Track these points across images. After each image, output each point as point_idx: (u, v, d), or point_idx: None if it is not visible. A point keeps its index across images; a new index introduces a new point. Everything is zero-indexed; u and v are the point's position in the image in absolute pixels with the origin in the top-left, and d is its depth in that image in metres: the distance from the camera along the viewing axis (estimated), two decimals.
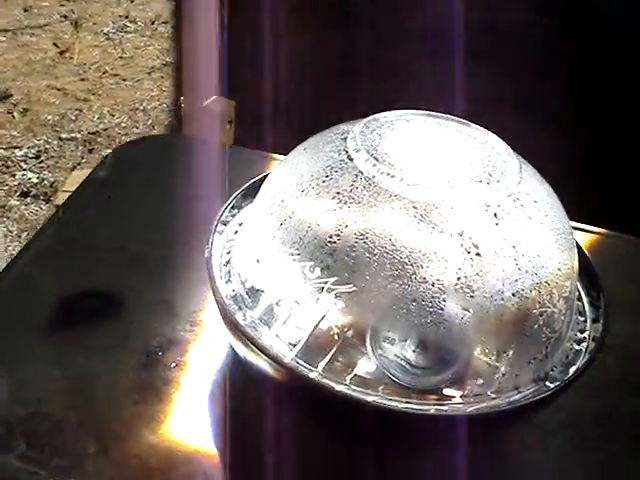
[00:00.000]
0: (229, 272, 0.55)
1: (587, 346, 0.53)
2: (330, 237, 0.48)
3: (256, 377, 0.53)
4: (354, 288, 0.47)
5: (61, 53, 2.45)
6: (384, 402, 0.47)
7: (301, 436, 0.52)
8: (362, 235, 0.47)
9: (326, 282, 0.47)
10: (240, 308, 0.51)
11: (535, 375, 0.50)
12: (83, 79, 2.31)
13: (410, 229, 0.47)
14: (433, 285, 0.46)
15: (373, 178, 0.48)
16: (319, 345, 0.48)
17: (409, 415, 0.46)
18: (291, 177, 0.52)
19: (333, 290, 0.47)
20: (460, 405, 0.47)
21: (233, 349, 0.60)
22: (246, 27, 1.41)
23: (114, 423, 0.55)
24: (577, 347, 0.53)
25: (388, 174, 0.48)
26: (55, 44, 2.49)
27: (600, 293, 0.56)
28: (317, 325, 0.48)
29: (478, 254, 0.47)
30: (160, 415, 0.56)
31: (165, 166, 0.80)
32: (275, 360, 0.47)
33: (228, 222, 0.59)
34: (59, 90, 2.24)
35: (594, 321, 0.55)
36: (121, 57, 2.47)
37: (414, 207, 0.47)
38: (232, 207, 0.59)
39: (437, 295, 0.46)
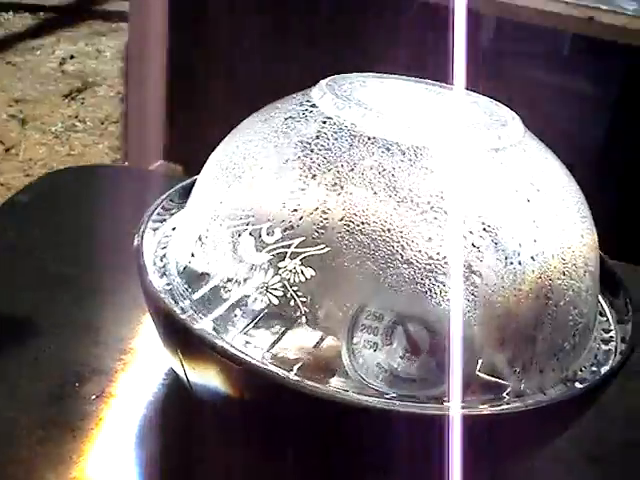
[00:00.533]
0: (164, 266, 0.43)
1: (616, 346, 0.43)
2: (292, 191, 0.37)
3: (203, 399, 0.41)
4: (327, 249, 0.35)
5: (7, 150, 2.36)
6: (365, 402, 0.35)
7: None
8: (335, 185, 0.36)
9: (289, 245, 0.35)
10: (176, 301, 0.39)
11: (563, 374, 0.39)
12: (28, 174, 2.22)
13: (398, 175, 0.36)
14: (430, 241, 0.35)
15: (344, 122, 0.38)
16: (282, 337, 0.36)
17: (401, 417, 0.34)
18: (240, 139, 0.42)
19: (298, 255, 0.35)
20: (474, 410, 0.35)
21: (171, 375, 0.48)
22: (192, 91, 1.34)
23: (11, 465, 0.41)
24: (605, 347, 0.42)
25: (363, 116, 0.38)
26: (1, 141, 2.40)
27: (622, 292, 0.46)
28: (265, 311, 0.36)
29: (486, 206, 0.37)
30: (71, 456, 0.42)
31: (91, 192, 0.70)
32: (229, 358, 0.35)
33: (164, 220, 0.48)
34: (2, 185, 2.14)
35: (619, 322, 0.45)
36: (69, 154, 2.40)
37: (401, 151, 0.37)
38: (164, 208, 0.48)
39: (436, 257, 0.35)
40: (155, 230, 0.46)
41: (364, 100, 0.40)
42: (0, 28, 3.10)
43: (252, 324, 0.37)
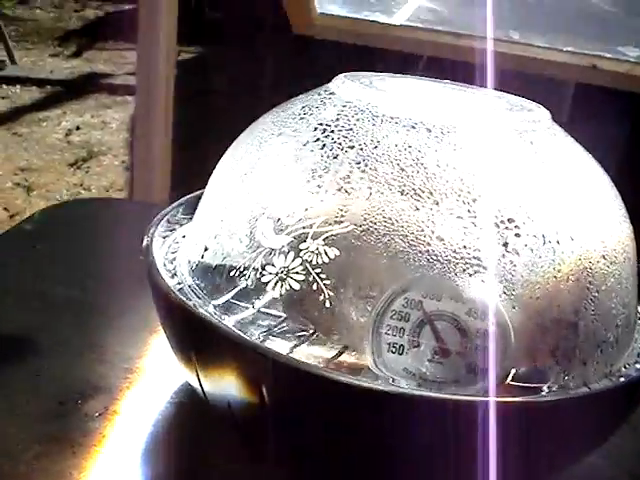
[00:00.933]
0: (175, 268, 0.41)
1: None
2: (313, 170, 0.35)
3: (218, 407, 0.38)
4: (351, 227, 0.33)
5: (11, 217, 2.36)
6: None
7: None
8: (358, 163, 0.34)
9: (311, 225, 0.33)
10: (188, 298, 0.37)
11: (607, 369, 0.36)
12: None
13: (425, 151, 0.34)
14: (462, 218, 0.33)
15: (366, 104, 0.36)
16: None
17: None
18: (256, 130, 0.40)
19: (321, 235, 0.33)
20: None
21: (180, 393, 0.45)
22: (197, 161, 1.34)
23: None
24: None
25: (385, 99, 0.36)
26: (6, 208, 2.40)
27: None
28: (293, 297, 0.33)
29: (519, 183, 0.34)
30: (71, 472, 0.38)
31: (96, 222, 0.68)
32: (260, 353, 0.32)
33: (174, 230, 0.45)
34: None
35: None
36: None
37: (427, 129, 0.35)
38: (171, 221, 0.46)
39: (470, 234, 0.33)
40: (165, 237, 0.44)
41: (385, 88, 0.39)
42: (7, 101, 3.15)
43: (273, 319, 0.35)
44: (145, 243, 0.41)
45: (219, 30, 3.33)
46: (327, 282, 0.33)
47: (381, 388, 0.32)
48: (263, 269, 0.34)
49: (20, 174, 2.66)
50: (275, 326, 0.36)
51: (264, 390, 0.34)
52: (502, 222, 0.33)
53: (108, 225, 0.67)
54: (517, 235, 0.33)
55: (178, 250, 0.43)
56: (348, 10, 1.39)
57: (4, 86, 3.19)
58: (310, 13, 1.37)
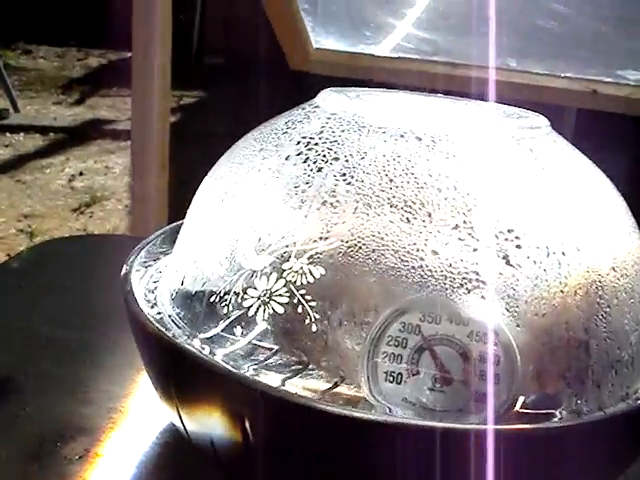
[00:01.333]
0: (156, 298, 0.38)
1: None
2: (296, 186, 0.32)
3: (202, 448, 0.35)
4: (337, 243, 0.30)
5: None
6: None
7: None
8: (344, 175, 0.32)
9: (294, 243, 0.31)
10: (167, 328, 0.34)
11: (622, 391, 0.33)
12: None
13: (416, 161, 0.32)
14: (458, 229, 0.30)
15: (351, 115, 0.34)
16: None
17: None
18: (237, 149, 0.37)
19: (305, 252, 0.30)
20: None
21: (167, 433, 0.42)
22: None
23: None
24: None
25: (372, 110, 0.34)
26: (8, 255, 2.39)
27: None
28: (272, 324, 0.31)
29: (518, 192, 0.32)
30: None
31: (81, 259, 0.65)
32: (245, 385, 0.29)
33: (157, 259, 0.43)
34: None
35: None
36: None
37: (417, 138, 0.33)
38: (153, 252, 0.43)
39: (467, 248, 0.30)
40: (147, 267, 0.42)
41: (373, 100, 0.37)
42: (11, 149, 3.16)
43: (253, 343, 0.32)
44: (123, 272, 0.38)
45: (219, 74, 3.35)
46: (313, 304, 0.30)
47: (375, 418, 0.29)
48: (245, 293, 0.32)
49: (23, 220, 2.65)
50: (267, 358, 0.34)
51: (249, 426, 0.31)
52: (501, 233, 0.30)
53: (98, 261, 0.65)
54: (518, 247, 0.30)
55: (160, 279, 0.40)
56: (344, 44, 1.38)
57: (7, 134, 3.20)
58: (306, 48, 1.36)
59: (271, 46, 1.55)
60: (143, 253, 0.42)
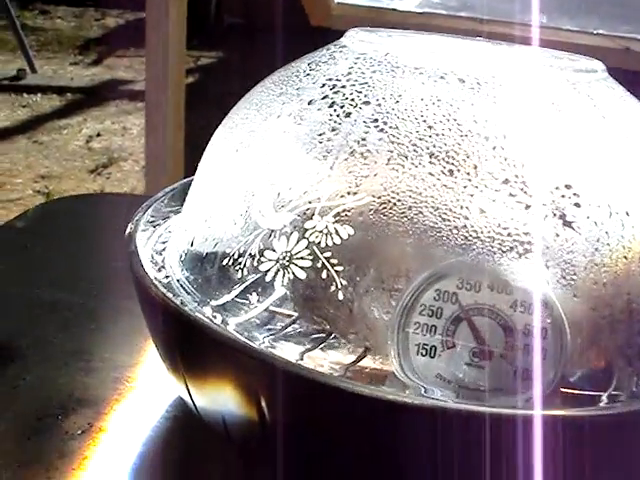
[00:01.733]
0: (164, 260, 0.34)
1: None
2: (320, 134, 0.28)
3: (212, 424, 0.31)
4: (368, 199, 0.26)
5: None
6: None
7: None
8: (376, 121, 0.28)
9: (318, 199, 0.27)
10: (175, 294, 0.31)
11: None
12: None
13: (458, 105, 0.27)
14: (507, 183, 0.26)
15: (385, 55, 0.30)
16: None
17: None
18: (254, 93, 0.33)
19: (331, 210, 0.27)
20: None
21: (177, 406, 0.39)
22: None
23: None
24: None
25: (407, 48, 0.30)
26: None
27: None
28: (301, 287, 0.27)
29: (573, 142, 0.28)
30: None
31: (92, 220, 0.62)
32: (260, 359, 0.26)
33: (167, 218, 0.39)
34: None
35: None
36: None
37: (459, 79, 0.28)
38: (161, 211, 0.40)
39: (517, 204, 0.26)
40: (155, 226, 0.38)
41: (407, 40, 0.32)
42: (28, 109, 3.13)
43: (272, 314, 0.28)
44: (128, 231, 0.35)
45: (238, 34, 3.29)
46: (339, 269, 0.26)
47: (409, 401, 0.26)
48: (261, 255, 0.28)
49: (40, 181, 2.63)
50: (284, 327, 0.30)
51: (265, 404, 0.28)
52: (557, 189, 0.26)
53: (109, 221, 0.62)
54: (576, 205, 0.26)
55: (169, 240, 0.37)
56: None
57: (25, 95, 3.17)
58: (327, 2, 1.31)
59: (292, 5, 1.50)
60: (150, 211, 0.38)
